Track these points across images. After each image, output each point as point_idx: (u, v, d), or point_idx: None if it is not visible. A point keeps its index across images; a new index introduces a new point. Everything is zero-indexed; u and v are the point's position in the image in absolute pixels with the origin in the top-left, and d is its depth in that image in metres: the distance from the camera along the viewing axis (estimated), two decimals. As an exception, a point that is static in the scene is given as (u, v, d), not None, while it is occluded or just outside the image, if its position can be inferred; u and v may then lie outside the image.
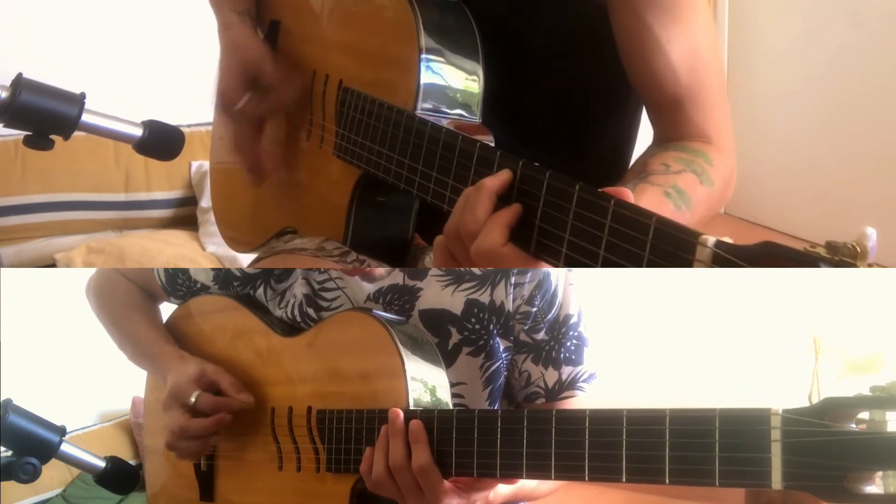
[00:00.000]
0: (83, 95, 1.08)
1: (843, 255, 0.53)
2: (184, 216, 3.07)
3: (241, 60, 1.10)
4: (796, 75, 3.41)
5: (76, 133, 1.09)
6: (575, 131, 1.09)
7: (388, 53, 0.99)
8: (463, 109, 0.96)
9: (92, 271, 1.27)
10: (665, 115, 0.98)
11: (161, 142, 1.15)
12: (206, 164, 3.01)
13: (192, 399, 1.00)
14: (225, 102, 1.11)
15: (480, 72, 0.97)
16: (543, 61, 1.03)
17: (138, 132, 1.13)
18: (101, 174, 2.93)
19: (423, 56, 0.94)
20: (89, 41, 2.90)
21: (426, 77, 0.94)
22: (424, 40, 0.94)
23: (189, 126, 2.98)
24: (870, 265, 0.53)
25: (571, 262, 0.70)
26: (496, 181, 0.75)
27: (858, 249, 0.53)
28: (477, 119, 0.97)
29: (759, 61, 3.56)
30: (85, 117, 1.08)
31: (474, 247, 0.73)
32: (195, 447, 1.03)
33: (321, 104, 1.09)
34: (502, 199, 0.75)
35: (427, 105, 0.94)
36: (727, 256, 0.57)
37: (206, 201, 3.01)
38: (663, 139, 0.98)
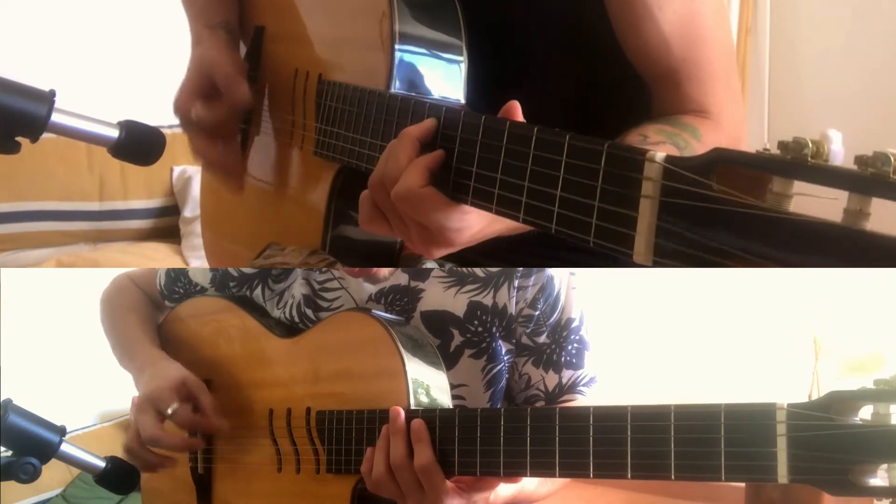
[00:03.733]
0: (53, 93, 0.97)
1: (794, 153, 0.50)
2: (164, 227, 2.88)
3: (196, 70, 1.07)
4: (846, 77, 3.13)
5: (45, 135, 0.98)
6: (587, 122, 1.04)
7: (363, 37, 0.95)
8: (444, 91, 0.93)
9: (111, 272, 1.25)
10: (661, 89, 0.92)
11: (139, 144, 1.04)
12: (189, 170, 2.83)
13: (170, 410, 0.98)
14: (177, 113, 1.08)
15: (464, 51, 0.93)
16: (547, 51, 0.98)
17: (114, 134, 1.02)
18: (72, 181, 2.74)
19: (397, 36, 0.90)
20: (60, 33, 2.69)
21: (401, 57, 0.90)
22: (398, 19, 0.90)
23: (170, 127, 2.76)
24: (825, 161, 0.49)
25: (479, 195, 0.71)
26: (417, 128, 0.75)
27: (813, 147, 0.49)
28: (461, 101, 0.93)
29: (804, 63, 3.30)
30: (55, 117, 0.97)
31: (394, 191, 0.73)
32: (155, 461, 1.01)
33: (302, 103, 1.06)
34: (428, 148, 0.75)
35: (403, 85, 0.90)
36: (676, 169, 0.55)
37: (188, 210, 2.83)
38: (658, 114, 0.92)
